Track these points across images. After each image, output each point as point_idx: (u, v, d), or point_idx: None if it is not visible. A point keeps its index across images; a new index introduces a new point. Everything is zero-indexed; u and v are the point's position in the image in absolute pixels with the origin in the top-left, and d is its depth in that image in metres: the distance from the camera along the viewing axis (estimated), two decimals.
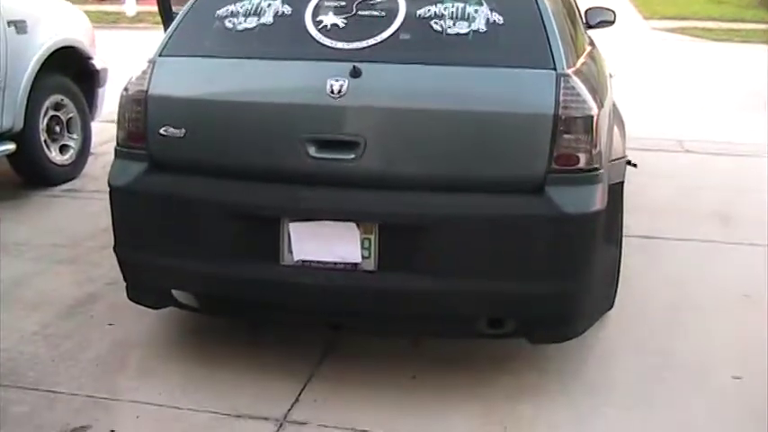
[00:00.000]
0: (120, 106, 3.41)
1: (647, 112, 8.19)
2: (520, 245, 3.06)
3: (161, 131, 3.27)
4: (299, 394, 3.34)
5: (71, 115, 6.28)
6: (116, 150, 3.46)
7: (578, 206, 3.06)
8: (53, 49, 5.96)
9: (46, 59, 5.87)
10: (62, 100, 6.18)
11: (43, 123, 6.01)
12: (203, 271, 3.24)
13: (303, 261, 3.15)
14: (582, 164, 3.08)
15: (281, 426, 3.15)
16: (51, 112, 6.11)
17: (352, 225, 3.08)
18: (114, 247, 3.48)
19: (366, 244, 3.10)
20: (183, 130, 3.25)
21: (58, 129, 6.19)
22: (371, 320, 3.27)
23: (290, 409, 3.24)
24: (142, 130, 3.32)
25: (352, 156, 3.08)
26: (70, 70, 6.27)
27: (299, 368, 3.51)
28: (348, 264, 3.12)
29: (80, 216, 5.49)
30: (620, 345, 3.76)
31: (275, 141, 3.16)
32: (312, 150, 3.11)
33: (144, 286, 3.49)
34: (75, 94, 6.30)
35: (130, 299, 3.58)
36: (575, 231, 3.06)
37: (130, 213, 3.36)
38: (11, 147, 5.65)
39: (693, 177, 6.47)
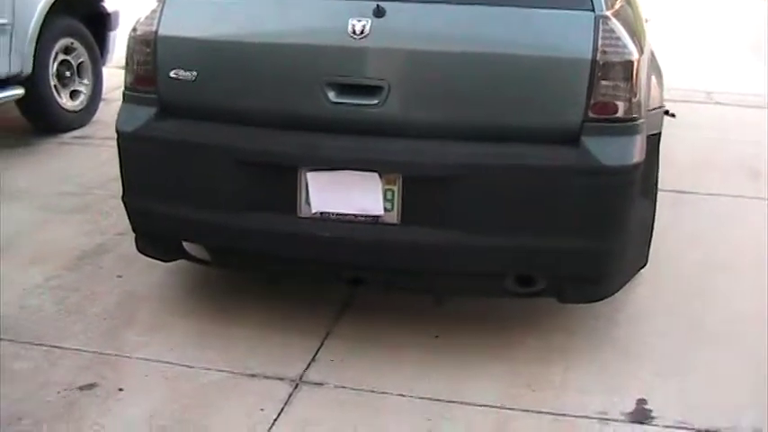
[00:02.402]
0: (129, 48, 3.21)
1: (676, 61, 7.88)
2: (552, 198, 2.86)
3: (171, 74, 3.08)
4: (316, 353, 3.19)
5: (82, 60, 6.08)
6: (124, 94, 3.27)
7: (616, 158, 2.85)
8: None
9: (55, 1, 5.64)
10: (72, 44, 5.97)
11: (53, 68, 5.82)
12: (215, 222, 3.06)
13: (321, 213, 2.96)
14: (620, 113, 2.86)
15: (296, 386, 2.99)
16: (61, 57, 5.91)
17: (375, 175, 2.89)
18: (123, 196, 3.31)
19: (389, 195, 2.91)
20: (195, 73, 3.05)
21: (68, 74, 5.99)
22: (393, 276, 3.08)
23: (305, 369, 3.09)
24: (151, 72, 3.13)
25: (375, 101, 2.88)
26: (80, 13, 6.04)
27: (315, 326, 3.35)
28: (369, 216, 2.94)
29: (90, 164, 5.32)
30: (652, 306, 3.57)
31: (292, 85, 2.96)
32: (332, 95, 2.91)
33: (153, 237, 3.32)
34: (85, 38, 6.09)
35: (139, 251, 3.42)
36: (612, 185, 2.86)
37: (139, 160, 3.18)
38: (20, 92, 5.47)
39: (722, 130, 6.21)
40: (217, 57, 3.06)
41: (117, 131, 3.21)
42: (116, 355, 3.19)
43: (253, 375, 3.05)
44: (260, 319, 3.39)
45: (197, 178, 3.07)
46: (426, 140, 2.90)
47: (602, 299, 3.14)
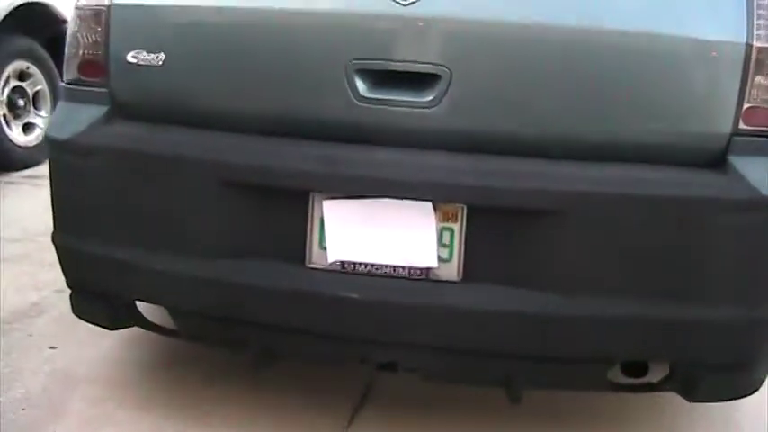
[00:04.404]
0: (71, 29, 2.28)
1: None
2: (686, 246, 1.90)
3: (129, 58, 2.13)
4: None
5: (39, 87, 5.21)
6: (63, 90, 2.31)
7: None
8: (16, 5, 4.81)
9: (7, 17, 4.73)
10: (28, 68, 5.11)
11: (2, 95, 4.93)
12: (184, 274, 2.07)
13: (343, 262, 1.98)
14: None
15: None
16: (14, 82, 5.06)
17: (426, 206, 1.93)
18: (53, 235, 2.32)
19: (446, 238, 1.95)
20: (162, 56, 2.10)
21: (21, 103, 5.09)
22: (447, 360, 2.08)
23: None
24: (102, 56, 2.18)
25: (428, 98, 1.94)
26: (39, 34, 5.14)
27: (322, 417, 2.34)
28: (415, 269, 1.96)
29: (40, 208, 4.26)
30: None
31: (303, 73, 2.01)
32: (362, 87, 1.96)
33: (95, 294, 2.31)
34: (44, 63, 5.21)
35: (77, 314, 2.41)
36: None
37: (77, 181, 2.20)
38: None
39: None
40: (194, 33, 2.10)
41: (48, 140, 2.25)
42: None
43: None
44: (240, 417, 2.38)
45: (160, 207, 2.09)
46: (503, 158, 1.93)
47: (749, 393, 2.15)
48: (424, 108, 1.94)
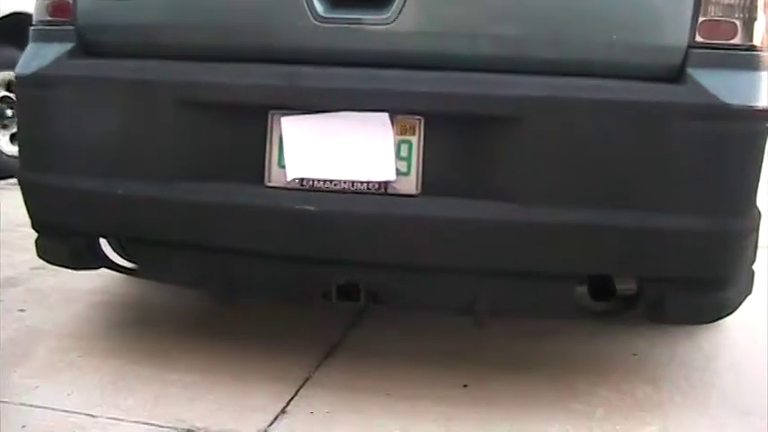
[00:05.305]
0: None
1: None
2: (644, 154, 1.88)
3: None
4: (287, 404, 2.13)
5: None
6: (31, 33, 2.33)
7: (741, 96, 1.89)
8: (4, 14, 4.86)
9: None
10: None
11: None
12: (144, 198, 2.06)
13: (301, 180, 1.97)
14: (739, 38, 1.93)
15: None
16: (2, 92, 5.02)
17: (383, 117, 1.92)
18: (18, 176, 2.31)
19: (404, 151, 1.94)
20: None
21: (10, 113, 5.07)
22: (406, 280, 2.05)
23: (270, 424, 2.03)
24: None
25: (384, 14, 1.94)
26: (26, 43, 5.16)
27: (288, 369, 2.30)
28: (374, 183, 1.94)
29: (21, 205, 4.32)
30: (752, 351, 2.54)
31: None
32: (320, 7, 1.97)
33: (59, 232, 2.29)
34: None
35: (41, 256, 2.39)
36: (739, 133, 1.89)
37: (42, 114, 2.20)
38: None
39: None
40: None
41: (16, 78, 2.26)
42: None
43: (189, 430, 1.98)
44: (208, 362, 2.35)
45: (120, 133, 2.09)
46: (460, 72, 1.93)
47: (719, 316, 2.11)
48: (381, 25, 1.95)
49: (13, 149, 5.11)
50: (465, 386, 2.24)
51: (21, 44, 4.90)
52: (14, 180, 4.79)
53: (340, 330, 2.57)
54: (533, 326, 2.59)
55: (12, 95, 5.09)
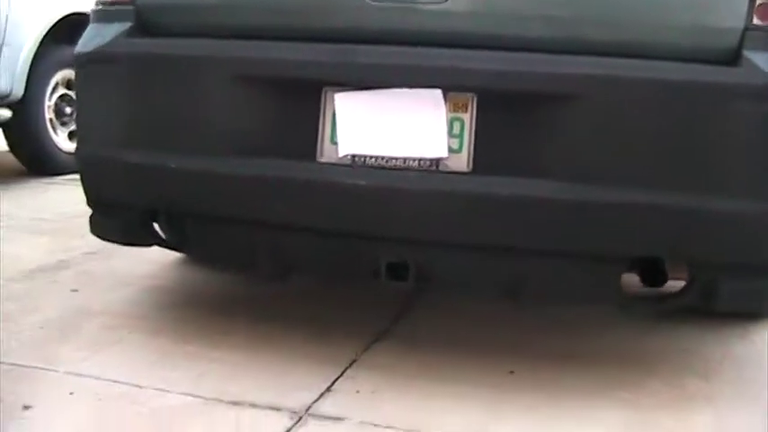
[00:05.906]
0: None
1: None
2: (700, 135, 1.86)
3: None
4: (333, 383, 2.13)
5: None
6: (91, 13, 2.38)
7: None
8: (63, 15, 4.97)
9: (56, 24, 4.89)
10: None
11: (51, 100, 5.03)
12: (198, 171, 2.08)
13: (353, 156, 1.98)
14: None
15: (299, 420, 1.93)
16: (62, 90, 5.13)
17: (437, 93, 1.92)
18: (76, 152, 2.36)
19: (456, 128, 1.93)
20: None
21: (69, 110, 5.17)
22: (454, 258, 2.04)
23: (316, 400, 2.02)
24: None
25: None
26: None
27: (335, 348, 2.30)
28: (425, 161, 1.94)
29: (78, 198, 4.41)
30: None
31: None
32: None
33: (113, 208, 2.33)
34: None
35: (93, 232, 2.43)
36: None
37: (101, 91, 2.24)
38: (6, 113, 4.63)
39: None
40: None
41: (75, 56, 2.31)
42: (39, 367, 2.16)
43: (233, 403, 1.99)
44: (253, 343, 2.36)
45: (176, 108, 2.12)
46: (513, 52, 1.93)
47: None
48: (434, 4, 1.95)
49: (70, 147, 5.20)
50: (511, 372, 2.21)
51: None
52: (71, 176, 4.95)
53: (388, 320, 2.56)
54: (583, 319, 2.56)
55: (71, 93, 5.20)
